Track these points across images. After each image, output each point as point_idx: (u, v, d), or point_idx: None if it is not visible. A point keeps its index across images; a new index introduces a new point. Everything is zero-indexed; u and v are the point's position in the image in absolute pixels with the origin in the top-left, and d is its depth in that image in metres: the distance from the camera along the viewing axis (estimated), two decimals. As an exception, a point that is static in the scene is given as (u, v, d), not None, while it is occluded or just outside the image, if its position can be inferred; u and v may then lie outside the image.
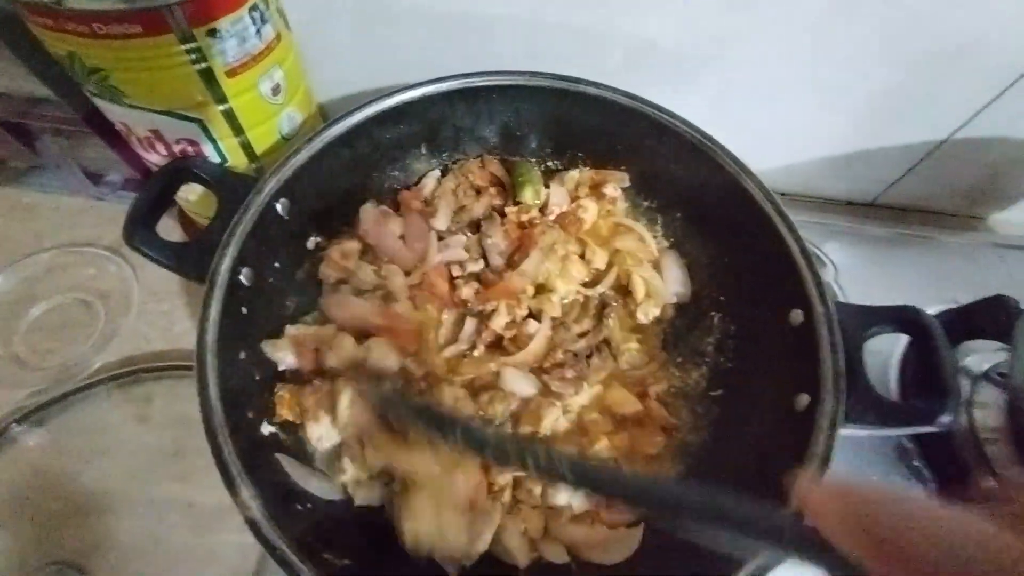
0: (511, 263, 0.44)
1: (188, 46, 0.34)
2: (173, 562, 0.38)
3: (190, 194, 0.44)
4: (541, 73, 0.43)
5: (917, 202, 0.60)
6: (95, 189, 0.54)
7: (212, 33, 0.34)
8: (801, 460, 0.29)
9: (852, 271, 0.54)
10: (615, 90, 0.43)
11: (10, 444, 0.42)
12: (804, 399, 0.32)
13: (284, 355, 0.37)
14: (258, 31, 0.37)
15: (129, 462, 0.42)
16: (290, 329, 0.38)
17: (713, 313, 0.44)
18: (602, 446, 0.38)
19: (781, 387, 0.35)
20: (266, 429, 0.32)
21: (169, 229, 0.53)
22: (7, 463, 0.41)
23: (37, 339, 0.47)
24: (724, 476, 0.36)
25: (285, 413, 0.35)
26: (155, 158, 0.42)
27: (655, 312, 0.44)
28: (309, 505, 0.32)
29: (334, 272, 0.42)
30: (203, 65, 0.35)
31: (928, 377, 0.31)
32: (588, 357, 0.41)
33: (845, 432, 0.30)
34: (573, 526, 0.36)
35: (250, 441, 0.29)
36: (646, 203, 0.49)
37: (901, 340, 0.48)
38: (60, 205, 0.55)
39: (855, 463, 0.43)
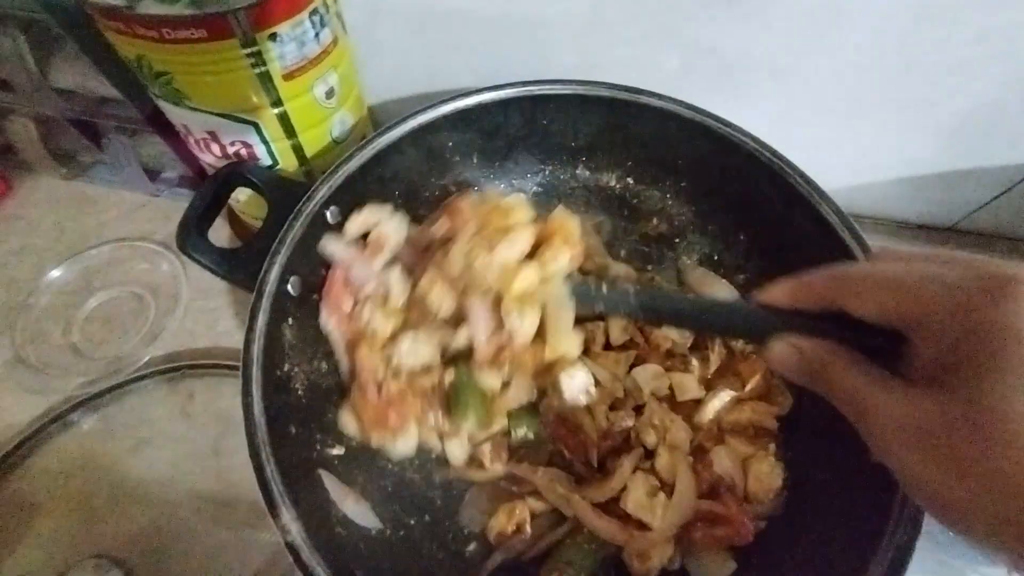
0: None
1: (249, 50, 0.34)
2: (209, 557, 0.39)
3: (240, 195, 0.44)
4: (600, 83, 0.40)
5: (1005, 229, 0.54)
6: (152, 185, 0.56)
7: (273, 37, 0.34)
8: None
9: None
10: (677, 102, 0.40)
11: (62, 431, 0.43)
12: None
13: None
14: (317, 35, 0.37)
15: (172, 456, 0.43)
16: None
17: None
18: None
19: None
20: (314, 445, 0.32)
21: (218, 227, 0.54)
22: (59, 449, 0.43)
23: (92, 330, 0.49)
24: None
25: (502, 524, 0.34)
26: (210, 158, 0.42)
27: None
28: (349, 531, 0.31)
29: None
30: (262, 69, 0.35)
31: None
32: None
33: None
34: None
35: (293, 456, 0.28)
36: (709, 227, 0.45)
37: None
38: (120, 199, 0.57)
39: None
